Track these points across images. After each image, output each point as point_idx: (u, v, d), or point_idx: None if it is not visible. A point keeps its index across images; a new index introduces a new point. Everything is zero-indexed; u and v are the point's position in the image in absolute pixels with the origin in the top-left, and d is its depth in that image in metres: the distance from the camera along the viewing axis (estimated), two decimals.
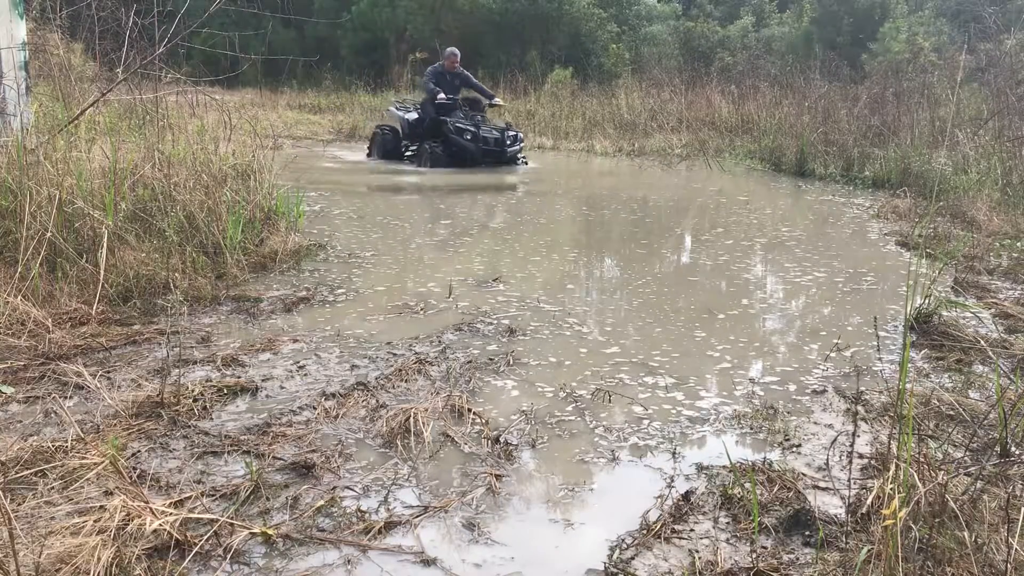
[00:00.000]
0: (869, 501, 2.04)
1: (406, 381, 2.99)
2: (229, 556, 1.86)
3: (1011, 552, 1.65)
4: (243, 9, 8.45)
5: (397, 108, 10.70)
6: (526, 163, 10.12)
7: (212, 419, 2.63)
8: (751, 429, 2.65)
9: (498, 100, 10.54)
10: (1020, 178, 6.86)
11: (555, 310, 3.97)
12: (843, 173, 9.30)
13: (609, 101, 15.23)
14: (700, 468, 2.36)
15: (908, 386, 2.11)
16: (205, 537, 1.90)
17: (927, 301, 3.63)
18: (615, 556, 1.91)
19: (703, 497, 2.18)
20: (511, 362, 3.22)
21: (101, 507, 1.96)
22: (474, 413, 2.69)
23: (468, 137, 9.62)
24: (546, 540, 2.00)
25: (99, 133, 5.12)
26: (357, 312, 3.90)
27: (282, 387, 2.92)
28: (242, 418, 2.65)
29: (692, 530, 2.03)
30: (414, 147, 10.14)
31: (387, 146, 10.34)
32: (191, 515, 1.98)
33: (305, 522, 2.03)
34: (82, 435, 2.35)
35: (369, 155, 10.58)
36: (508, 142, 9.84)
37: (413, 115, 10.26)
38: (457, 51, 10.24)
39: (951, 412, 2.70)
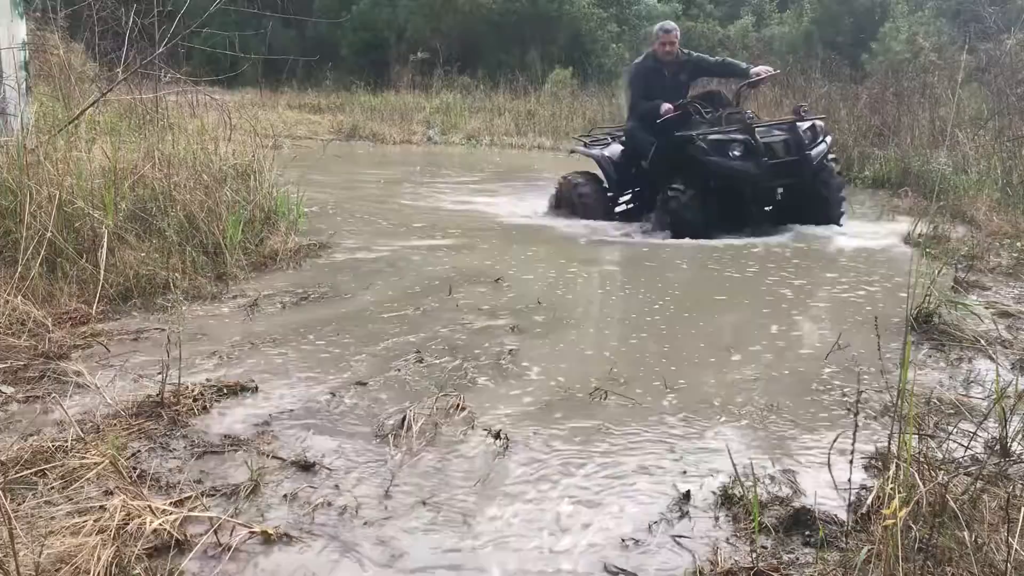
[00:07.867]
0: (869, 501, 2.04)
1: (406, 380, 2.99)
2: (229, 555, 1.86)
3: (1011, 552, 1.65)
4: (243, 9, 8.40)
5: (587, 146, 6.93)
6: (842, 213, 6.36)
7: (212, 419, 2.63)
8: (751, 428, 2.65)
9: (760, 69, 6.15)
10: (1020, 178, 6.86)
11: (555, 313, 3.97)
12: (843, 173, 9.27)
13: (609, 101, 15.21)
14: (700, 467, 2.36)
15: (908, 386, 2.11)
16: (205, 536, 1.90)
17: (928, 300, 3.62)
18: (615, 556, 1.91)
19: (703, 497, 2.18)
20: (512, 360, 3.22)
21: (101, 507, 1.96)
22: (472, 412, 2.69)
23: (737, 153, 5.75)
24: (546, 540, 2.00)
25: (99, 133, 5.12)
26: (358, 311, 3.89)
27: (282, 386, 2.92)
28: (242, 417, 2.65)
29: (692, 530, 2.03)
30: (628, 197, 6.71)
31: (586, 207, 6.53)
32: (191, 514, 1.98)
33: (305, 521, 2.03)
34: (82, 435, 2.35)
35: (548, 211, 6.93)
36: (807, 140, 5.98)
37: (617, 148, 6.58)
38: (673, 26, 6.33)
39: (951, 411, 2.70)
